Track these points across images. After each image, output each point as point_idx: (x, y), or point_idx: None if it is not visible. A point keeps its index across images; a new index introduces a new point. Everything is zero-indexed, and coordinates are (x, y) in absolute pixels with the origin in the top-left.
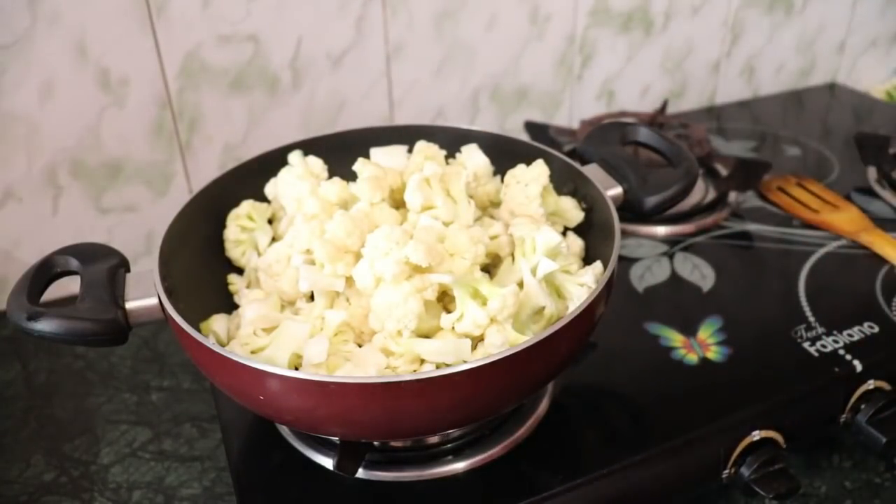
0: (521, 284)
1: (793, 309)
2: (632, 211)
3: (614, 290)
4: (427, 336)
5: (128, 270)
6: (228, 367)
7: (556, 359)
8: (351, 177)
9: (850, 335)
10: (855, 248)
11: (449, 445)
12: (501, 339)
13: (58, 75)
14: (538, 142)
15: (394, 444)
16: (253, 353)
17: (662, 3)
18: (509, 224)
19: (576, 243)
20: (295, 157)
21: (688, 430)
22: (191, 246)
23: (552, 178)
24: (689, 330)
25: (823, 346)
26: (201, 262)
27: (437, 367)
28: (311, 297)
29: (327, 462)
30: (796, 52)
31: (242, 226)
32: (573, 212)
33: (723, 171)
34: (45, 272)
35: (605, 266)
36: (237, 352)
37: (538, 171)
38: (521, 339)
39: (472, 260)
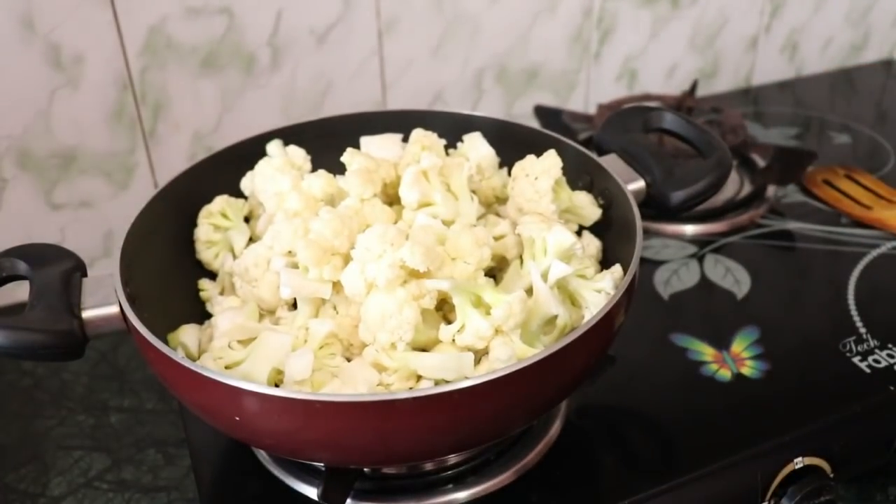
0: (529, 291)
1: (841, 319)
2: (656, 207)
3: (636, 296)
4: (424, 349)
5: (84, 275)
6: (199, 385)
7: (569, 374)
8: (338, 169)
9: None
10: None
11: (449, 473)
12: (508, 352)
13: (1, 52)
14: (550, 129)
15: (386, 470)
16: (227, 368)
17: None
18: (517, 223)
19: (592, 244)
20: (274, 146)
21: (720, 457)
22: (156, 247)
23: (566, 171)
24: (722, 342)
25: (876, 362)
26: (168, 265)
27: (436, 383)
28: (294, 305)
29: (311, 492)
30: (846, 25)
31: (215, 224)
32: (589, 208)
33: (760, 161)
34: None
35: (626, 270)
36: (209, 367)
37: (549, 163)
38: (531, 353)
39: (477, 264)
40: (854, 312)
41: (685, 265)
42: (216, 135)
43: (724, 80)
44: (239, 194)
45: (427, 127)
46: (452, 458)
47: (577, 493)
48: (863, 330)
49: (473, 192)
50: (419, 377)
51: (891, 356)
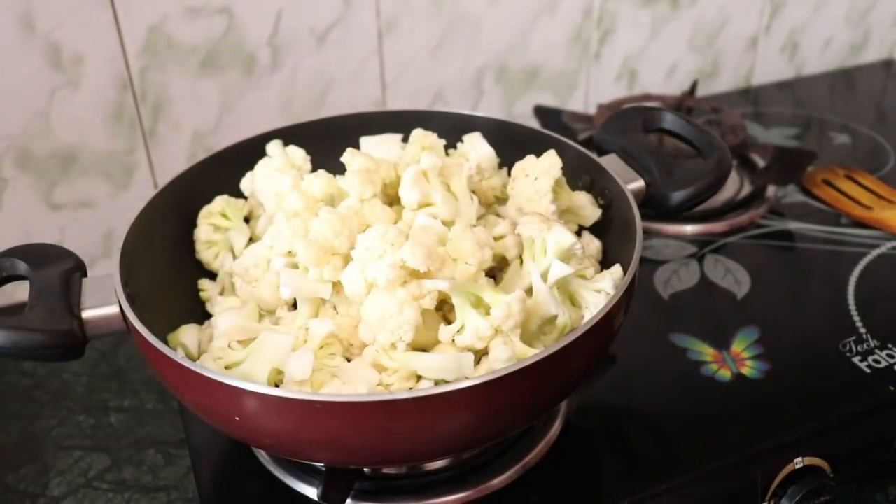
0: (529, 291)
1: (841, 319)
2: (656, 207)
3: (636, 296)
4: (424, 349)
5: (84, 275)
6: (199, 385)
7: (569, 374)
8: (338, 169)
9: None
10: None
11: (449, 473)
12: (508, 352)
13: (1, 52)
14: (550, 129)
15: (386, 471)
16: (227, 368)
17: None
18: (517, 223)
19: (592, 244)
20: (274, 146)
21: (720, 457)
22: (156, 247)
23: (565, 171)
24: (722, 342)
25: (876, 362)
26: (168, 265)
27: (436, 384)
28: (294, 306)
29: (311, 492)
30: (846, 25)
31: (215, 224)
32: (589, 208)
33: (760, 161)
34: None
35: (626, 270)
36: (209, 367)
37: (549, 163)
38: (530, 353)
39: (478, 265)
40: (854, 312)
41: (685, 265)
42: (216, 135)
43: (724, 80)
44: (239, 194)
45: (427, 127)
46: (453, 459)
47: (577, 492)
48: (863, 330)
49: (473, 192)
50: (419, 377)
51: (891, 356)
